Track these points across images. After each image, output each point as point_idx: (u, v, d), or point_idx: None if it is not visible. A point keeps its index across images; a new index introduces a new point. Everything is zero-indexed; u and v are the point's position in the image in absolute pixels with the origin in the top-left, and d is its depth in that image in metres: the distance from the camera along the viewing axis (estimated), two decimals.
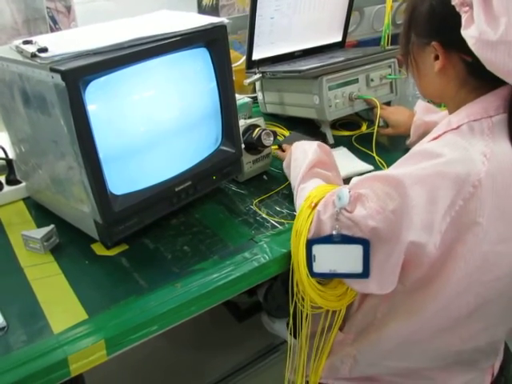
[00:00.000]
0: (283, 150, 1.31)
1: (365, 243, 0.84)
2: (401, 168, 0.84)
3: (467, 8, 0.80)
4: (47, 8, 1.85)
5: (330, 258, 0.90)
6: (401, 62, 1.31)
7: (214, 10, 2.00)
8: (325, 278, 0.97)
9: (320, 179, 1.04)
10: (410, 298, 0.92)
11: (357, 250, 0.85)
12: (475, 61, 0.80)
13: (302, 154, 1.11)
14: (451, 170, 0.79)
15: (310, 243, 0.91)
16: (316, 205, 0.92)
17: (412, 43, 0.93)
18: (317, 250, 0.91)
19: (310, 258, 0.91)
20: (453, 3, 0.81)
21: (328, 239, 0.88)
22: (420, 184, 0.80)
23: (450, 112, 0.91)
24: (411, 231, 0.81)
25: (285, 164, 1.20)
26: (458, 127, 0.84)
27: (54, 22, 1.92)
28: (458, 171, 0.79)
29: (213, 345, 1.89)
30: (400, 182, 0.80)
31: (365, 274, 0.87)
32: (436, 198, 0.79)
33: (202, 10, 1.92)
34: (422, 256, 0.84)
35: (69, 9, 1.82)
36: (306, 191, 0.99)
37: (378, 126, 1.40)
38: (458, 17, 0.81)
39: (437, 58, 0.88)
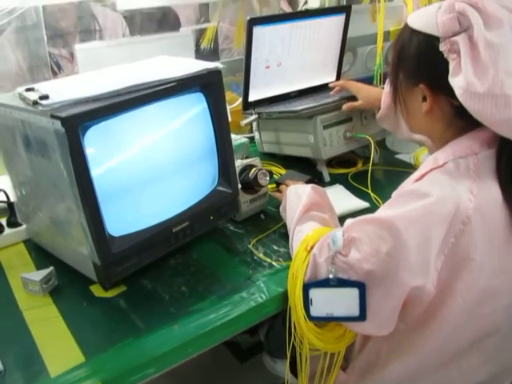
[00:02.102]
0: (280, 191, 1.33)
1: (361, 286, 0.85)
2: (392, 209, 0.85)
3: (455, 55, 0.82)
4: (52, 54, 1.91)
5: (326, 302, 0.91)
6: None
7: (212, 54, 2.06)
8: (322, 322, 0.98)
9: (316, 222, 1.05)
10: (411, 337, 0.92)
11: (353, 293, 0.86)
12: (462, 105, 0.82)
13: (297, 197, 1.13)
14: (441, 209, 0.80)
15: (306, 287, 0.91)
16: (312, 248, 0.93)
17: (400, 82, 0.95)
18: (313, 293, 0.91)
19: (306, 302, 0.92)
20: (441, 49, 0.83)
21: (324, 283, 0.88)
22: (412, 226, 0.81)
23: (437, 148, 0.93)
24: (409, 273, 0.81)
25: (281, 208, 1.22)
26: (443, 164, 0.86)
27: (59, 67, 1.98)
28: (447, 210, 0.80)
29: None
30: (392, 224, 0.82)
31: (361, 316, 0.88)
32: (429, 238, 0.81)
33: (200, 53, 1.98)
34: (421, 296, 0.84)
35: (72, 54, 1.88)
36: (302, 234, 1.00)
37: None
38: (446, 62, 0.83)
39: (424, 99, 0.90)
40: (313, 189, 1.12)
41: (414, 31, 0.90)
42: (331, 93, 1.57)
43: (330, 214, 1.11)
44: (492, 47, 0.78)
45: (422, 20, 0.89)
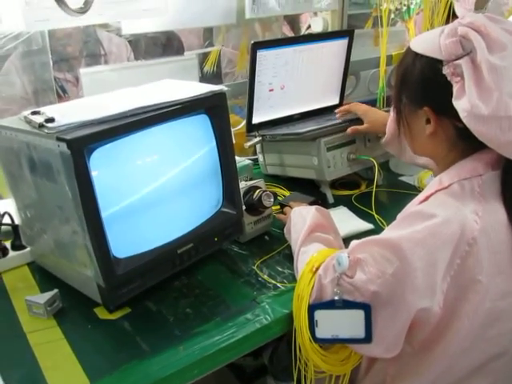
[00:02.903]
0: (284, 213, 1.33)
1: (366, 308, 0.85)
2: (397, 230, 0.85)
3: (458, 78, 0.83)
4: (57, 78, 1.94)
5: (332, 323, 0.90)
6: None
7: (215, 77, 2.08)
8: (328, 343, 0.97)
9: (320, 243, 1.05)
10: (417, 359, 0.91)
11: (358, 315, 0.86)
12: (466, 127, 0.83)
13: (301, 218, 1.13)
14: (446, 231, 0.80)
15: (311, 308, 0.91)
16: (317, 269, 0.93)
17: (404, 105, 0.96)
18: (319, 315, 0.91)
19: (312, 324, 0.91)
20: (444, 72, 0.84)
21: (330, 304, 0.88)
22: (418, 247, 0.81)
23: (441, 170, 0.93)
24: (415, 294, 0.81)
25: (285, 230, 1.22)
26: (448, 186, 0.86)
27: (64, 90, 2.01)
28: (452, 231, 0.80)
29: None
30: (397, 245, 0.82)
31: (367, 338, 0.87)
32: (435, 260, 0.81)
33: (204, 77, 2.00)
34: (428, 318, 0.84)
35: (77, 79, 1.90)
36: (307, 256, 1.00)
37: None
38: (449, 85, 0.84)
39: (428, 121, 0.91)
40: (317, 210, 1.13)
41: (417, 55, 0.91)
42: (337, 116, 1.58)
43: (334, 236, 1.10)
44: (495, 70, 0.79)
45: (425, 44, 0.90)
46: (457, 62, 0.83)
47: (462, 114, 0.82)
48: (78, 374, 0.89)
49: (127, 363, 0.90)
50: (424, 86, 0.91)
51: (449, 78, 0.84)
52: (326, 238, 1.07)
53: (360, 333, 0.87)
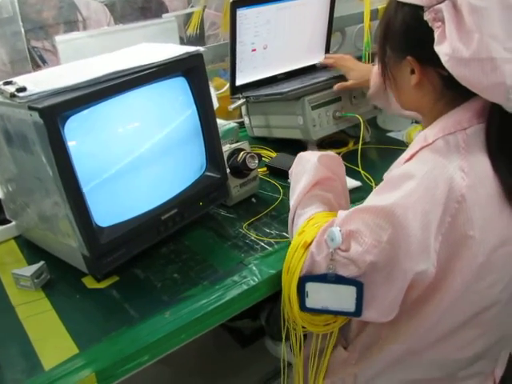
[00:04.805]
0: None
1: (358, 284, 0.84)
2: (385, 194, 0.83)
3: (439, 23, 0.80)
4: (35, 47, 1.89)
5: (323, 296, 0.90)
6: None
7: (198, 40, 2.03)
8: (317, 313, 0.97)
9: (319, 203, 1.01)
10: (409, 318, 0.92)
11: (350, 291, 0.86)
12: (451, 75, 0.80)
13: (302, 171, 1.06)
14: (434, 191, 0.79)
15: (303, 280, 0.90)
16: (309, 244, 0.91)
17: (388, 57, 0.94)
18: (310, 287, 0.90)
19: (302, 294, 0.91)
20: (425, 18, 0.82)
21: (322, 278, 0.87)
22: (409, 211, 0.79)
23: (427, 124, 0.92)
24: (411, 259, 0.80)
25: (290, 171, 1.14)
26: (433, 142, 0.85)
27: (43, 60, 1.96)
28: (440, 190, 0.79)
29: (217, 371, 1.86)
30: (389, 211, 0.80)
31: (357, 312, 0.87)
32: (427, 222, 0.80)
33: (187, 40, 1.96)
34: (423, 279, 0.84)
35: (56, 47, 1.85)
36: (302, 220, 0.97)
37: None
38: (431, 32, 0.81)
39: (413, 72, 0.89)
40: (319, 161, 1.05)
41: (398, 4, 0.88)
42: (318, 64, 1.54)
43: (340, 188, 1.07)
44: (476, 11, 0.77)
45: None
46: (437, 6, 0.80)
47: (443, 59, 0.79)
48: (68, 343, 0.89)
49: (116, 330, 0.91)
50: (406, 35, 0.88)
51: (430, 24, 0.82)
52: (326, 197, 1.03)
53: (350, 307, 0.87)
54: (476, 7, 0.77)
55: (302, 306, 0.93)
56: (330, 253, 0.86)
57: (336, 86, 1.46)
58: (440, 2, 0.80)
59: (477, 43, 0.76)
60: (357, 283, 0.85)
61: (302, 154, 1.12)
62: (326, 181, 1.05)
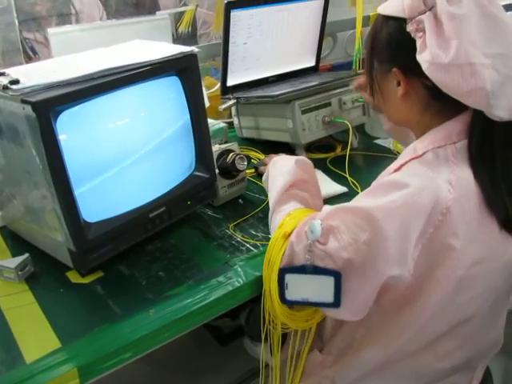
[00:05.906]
0: (265, 164, 1.29)
1: (336, 275, 0.86)
2: (370, 199, 0.85)
3: (421, 33, 0.83)
4: (27, 39, 1.87)
5: (302, 287, 0.91)
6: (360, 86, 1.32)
7: (190, 38, 2.04)
8: (296, 306, 0.98)
9: (296, 201, 1.04)
10: (387, 322, 0.93)
11: (328, 281, 0.86)
12: (435, 85, 0.83)
13: (279, 172, 1.09)
14: (420, 201, 0.80)
15: (282, 271, 0.91)
16: (289, 235, 0.92)
17: (375, 70, 0.96)
18: (289, 278, 0.91)
19: (282, 286, 0.92)
20: (408, 30, 0.85)
21: (301, 269, 0.89)
22: (391, 217, 0.81)
23: (417, 136, 0.94)
24: (387, 263, 0.82)
25: (264, 178, 1.19)
26: (422, 154, 0.86)
27: (34, 51, 1.95)
28: (426, 201, 0.80)
29: (196, 369, 1.87)
30: (370, 214, 0.81)
31: (336, 303, 0.88)
32: (407, 229, 0.81)
33: (178, 38, 1.96)
34: (397, 283, 0.85)
35: (48, 39, 1.84)
36: (280, 217, 0.99)
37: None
38: (414, 42, 0.84)
39: (399, 83, 0.91)
40: (297, 164, 1.09)
41: (384, 18, 0.92)
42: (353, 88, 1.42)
43: (314, 191, 1.09)
44: (455, 18, 0.80)
45: (390, 6, 0.91)
46: (419, 17, 0.83)
47: (423, 66, 0.82)
48: (50, 336, 0.89)
49: (99, 326, 0.91)
50: (391, 46, 0.91)
51: (412, 35, 0.84)
52: (303, 196, 1.06)
53: (329, 298, 0.88)
54: (455, 15, 0.80)
55: (282, 299, 0.93)
56: (309, 244, 0.87)
57: (355, 82, 1.33)
58: (421, 14, 0.83)
59: (455, 49, 0.79)
60: (335, 273, 0.86)
61: (276, 159, 1.16)
62: (302, 183, 1.08)
